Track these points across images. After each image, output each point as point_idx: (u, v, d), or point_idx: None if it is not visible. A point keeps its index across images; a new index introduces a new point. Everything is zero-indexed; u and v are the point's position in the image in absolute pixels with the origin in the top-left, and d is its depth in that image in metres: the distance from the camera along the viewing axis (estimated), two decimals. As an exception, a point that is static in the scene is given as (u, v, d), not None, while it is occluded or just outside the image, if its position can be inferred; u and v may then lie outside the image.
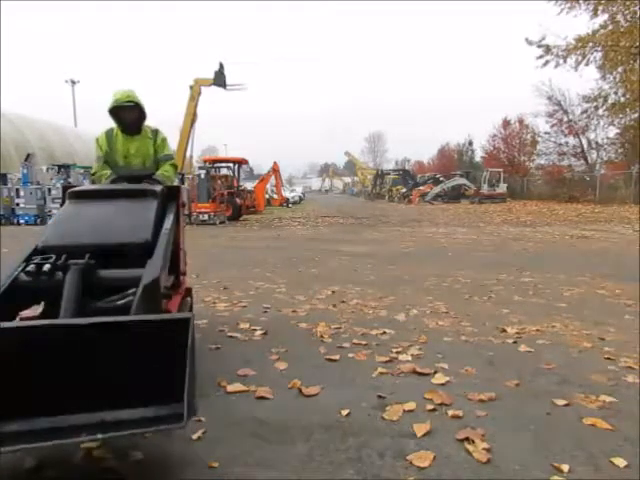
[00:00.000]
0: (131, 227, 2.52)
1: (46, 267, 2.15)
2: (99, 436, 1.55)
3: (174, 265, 2.95)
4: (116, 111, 3.39)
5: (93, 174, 3.69)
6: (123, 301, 2.15)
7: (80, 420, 1.63)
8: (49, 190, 15.90)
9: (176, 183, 3.76)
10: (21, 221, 15.73)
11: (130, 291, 2.16)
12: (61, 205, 2.91)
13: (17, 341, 1.69)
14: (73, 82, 40.14)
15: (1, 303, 2.02)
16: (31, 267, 2.18)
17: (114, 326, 1.77)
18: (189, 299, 3.34)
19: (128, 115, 3.42)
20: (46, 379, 1.68)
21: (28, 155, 17.04)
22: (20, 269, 2.21)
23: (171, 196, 3.04)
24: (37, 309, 2.22)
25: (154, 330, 1.79)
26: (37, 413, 1.63)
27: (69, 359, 1.71)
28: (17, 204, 15.92)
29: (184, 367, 1.61)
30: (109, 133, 3.56)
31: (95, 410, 1.65)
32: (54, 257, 2.23)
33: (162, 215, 2.77)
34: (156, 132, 3.64)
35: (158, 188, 2.95)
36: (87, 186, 3.37)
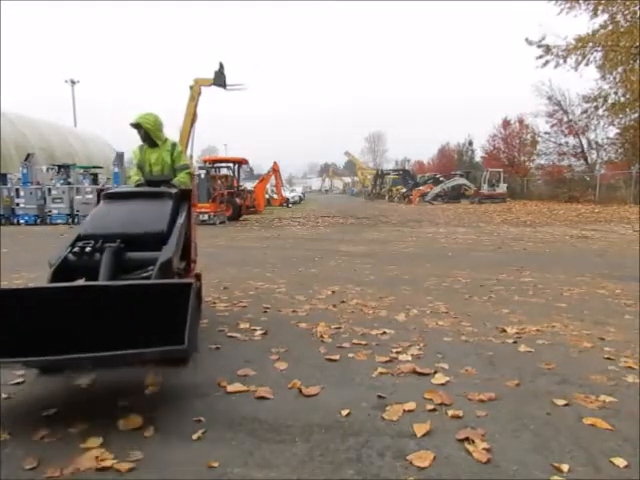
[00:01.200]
0: (151, 220, 3.20)
1: (87, 249, 2.84)
2: (129, 351, 2.06)
3: (186, 253, 3.56)
4: (138, 128, 4.12)
5: (129, 177, 4.49)
6: (145, 275, 2.79)
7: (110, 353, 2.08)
8: (49, 190, 15.89)
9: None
10: (21, 221, 15.72)
11: (150, 268, 2.80)
12: (96, 204, 3.63)
13: (65, 297, 2.33)
14: (73, 82, 40.14)
15: (54, 277, 2.70)
16: (76, 249, 2.85)
17: (136, 287, 2.46)
18: (198, 282, 3.81)
19: (139, 132, 4.16)
20: (85, 325, 2.24)
21: (28, 155, 17.01)
22: (68, 251, 2.87)
23: (184, 198, 3.66)
24: (80, 282, 2.74)
25: (165, 291, 2.40)
26: (77, 350, 2.05)
27: (103, 311, 2.30)
28: (17, 204, 15.90)
29: (186, 319, 2.14)
30: (141, 146, 4.27)
31: (121, 349, 2.07)
32: (93, 242, 2.89)
33: (176, 212, 3.40)
34: (174, 145, 4.33)
35: (173, 191, 3.62)
36: (117, 189, 4.17)
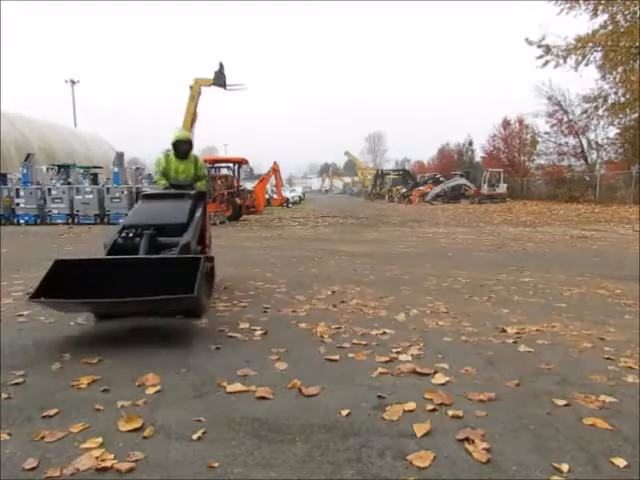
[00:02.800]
0: (175, 215, 4.27)
1: (130, 235, 3.87)
2: (157, 297, 3.02)
3: (201, 240, 4.67)
4: (176, 144, 5.23)
5: (155, 182, 5.59)
6: (171, 253, 3.80)
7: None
8: (49, 190, 15.85)
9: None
10: (21, 221, 15.70)
11: (174, 248, 3.86)
12: (135, 202, 5.00)
13: (120, 265, 3.49)
14: (73, 82, 40.18)
15: (108, 254, 3.74)
16: (123, 235, 3.89)
17: (166, 260, 3.64)
18: (211, 263, 4.82)
19: (183, 146, 5.27)
20: (130, 283, 3.21)
21: (28, 155, 16.99)
22: (117, 236, 3.89)
23: (200, 198, 4.77)
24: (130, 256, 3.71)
25: (184, 263, 3.46)
26: (124, 296, 3.08)
27: (146, 276, 3.29)
28: (17, 204, 15.86)
29: (196, 279, 3.11)
30: (167, 156, 5.33)
31: (155, 294, 3.04)
32: (134, 230, 3.91)
33: (194, 209, 4.47)
34: (196, 158, 5.50)
35: (192, 192, 4.74)
36: (152, 191, 5.34)
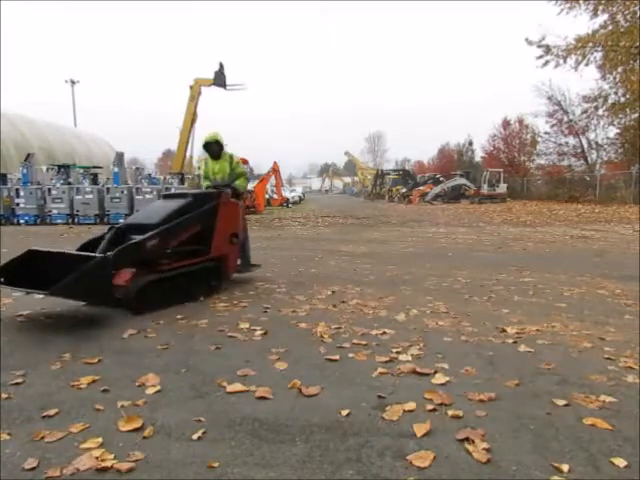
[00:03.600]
0: (152, 215, 4.51)
1: (112, 231, 4.30)
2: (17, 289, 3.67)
3: (208, 240, 4.79)
4: (206, 145, 5.58)
5: (202, 184, 5.99)
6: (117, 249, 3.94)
7: None
8: (49, 190, 15.84)
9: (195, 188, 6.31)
10: (21, 221, 15.69)
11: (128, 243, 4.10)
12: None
13: (66, 259, 3.87)
14: (73, 82, 40.21)
15: (79, 248, 4.23)
16: (107, 232, 4.33)
17: (69, 255, 4.00)
18: (214, 263, 4.91)
19: (212, 147, 5.57)
20: (55, 274, 3.48)
21: (28, 155, 16.98)
22: (105, 233, 4.33)
23: (209, 199, 4.91)
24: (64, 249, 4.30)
25: (78, 260, 3.70)
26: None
27: (64, 268, 3.52)
28: (17, 204, 15.85)
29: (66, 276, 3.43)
30: (205, 160, 5.82)
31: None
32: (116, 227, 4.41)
33: (187, 209, 4.58)
34: (231, 156, 5.74)
35: (195, 192, 5.18)
36: (168, 192, 6.01)
